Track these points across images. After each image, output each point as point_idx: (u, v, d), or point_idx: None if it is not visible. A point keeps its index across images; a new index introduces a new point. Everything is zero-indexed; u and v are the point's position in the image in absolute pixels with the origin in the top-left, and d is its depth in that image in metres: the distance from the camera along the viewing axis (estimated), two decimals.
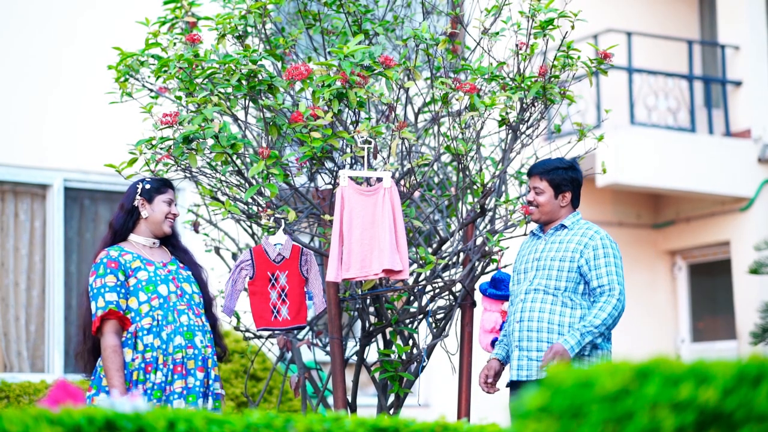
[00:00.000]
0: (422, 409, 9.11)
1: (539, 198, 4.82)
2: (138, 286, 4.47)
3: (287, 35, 5.35)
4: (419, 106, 5.57)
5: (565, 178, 4.82)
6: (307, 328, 5.62)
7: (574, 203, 4.87)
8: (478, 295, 5.27)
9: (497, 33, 5.12)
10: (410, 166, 5.09)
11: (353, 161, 5.21)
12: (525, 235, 5.08)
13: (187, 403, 4.41)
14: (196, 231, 5.85)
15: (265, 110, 4.84)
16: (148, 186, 4.61)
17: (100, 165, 5.45)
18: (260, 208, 4.94)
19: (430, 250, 5.47)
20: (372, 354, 6.59)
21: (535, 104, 5.07)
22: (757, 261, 9.99)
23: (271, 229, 4.90)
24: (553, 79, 4.98)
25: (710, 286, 11.74)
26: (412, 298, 5.42)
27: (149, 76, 5.08)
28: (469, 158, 5.17)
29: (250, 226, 5.59)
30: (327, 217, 4.91)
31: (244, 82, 4.70)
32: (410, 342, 5.39)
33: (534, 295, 4.74)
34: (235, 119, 4.96)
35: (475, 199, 5.29)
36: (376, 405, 5.43)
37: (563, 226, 4.82)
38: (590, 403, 2.07)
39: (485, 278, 5.31)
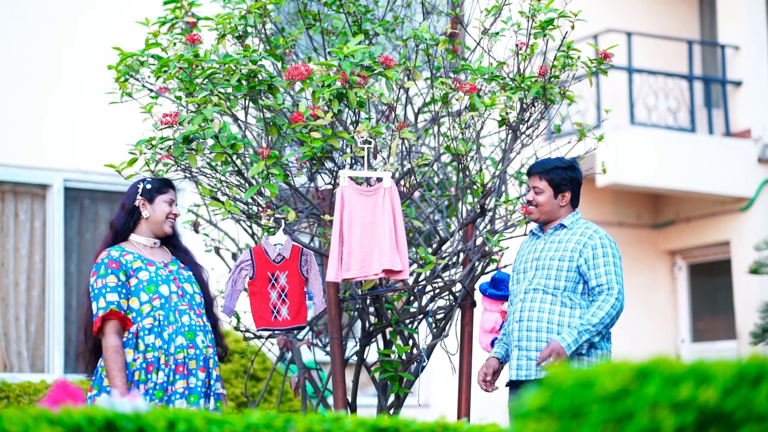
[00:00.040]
0: (422, 409, 9.11)
1: (538, 197, 4.82)
2: (139, 287, 4.47)
3: (287, 35, 5.35)
4: (419, 106, 5.57)
5: (565, 177, 4.82)
6: (307, 328, 5.62)
7: (574, 203, 4.87)
8: (478, 295, 5.27)
9: (497, 33, 5.12)
10: (410, 166, 5.09)
11: (353, 161, 5.21)
12: (525, 235, 5.08)
13: (189, 404, 4.41)
14: (196, 231, 5.85)
15: (265, 110, 4.84)
16: (149, 186, 4.61)
17: (100, 165, 5.45)
18: (260, 208, 4.94)
19: (430, 250, 5.47)
20: (372, 354, 6.59)
21: (535, 104, 5.07)
22: (757, 261, 9.99)
23: (271, 229, 4.90)
24: (553, 79, 4.98)
25: (710, 286, 11.74)
26: (412, 298, 5.42)
27: (149, 76, 5.08)
28: (469, 158, 5.17)
29: (250, 226, 5.59)
30: (327, 217, 4.91)
31: (244, 82, 4.70)
32: (410, 342, 5.39)
33: (533, 294, 4.75)
34: (235, 119, 4.96)
35: (475, 199, 5.29)
36: (376, 405, 5.43)
37: (562, 226, 4.82)
38: (590, 403, 2.07)
39: (485, 278, 5.31)
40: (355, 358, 5.57)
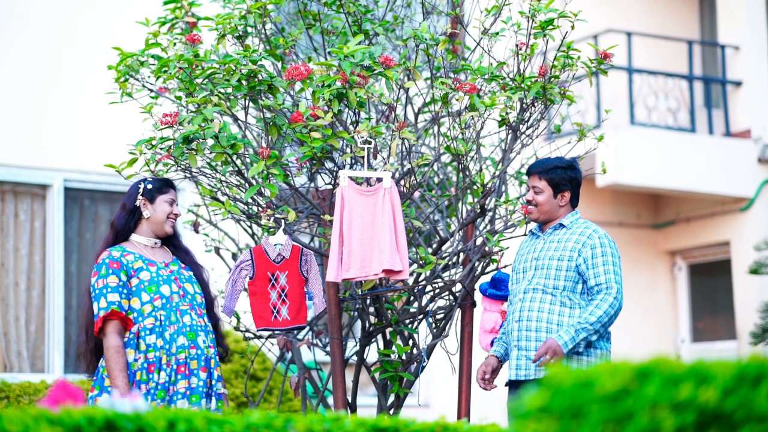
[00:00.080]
0: (422, 409, 9.11)
1: (538, 197, 4.81)
2: (140, 287, 4.46)
3: (287, 35, 5.35)
4: (419, 107, 5.57)
5: (564, 177, 4.82)
6: (307, 328, 5.62)
7: (573, 203, 4.87)
8: (478, 296, 5.27)
9: (497, 33, 5.12)
10: (410, 167, 5.09)
11: (353, 161, 5.21)
12: (525, 235, 5.08)
13: (191, 404, 4.41)
14: (196, 231, 5.85)
15: (265, 110, 4.84)
16: (150, 186, 4.61)
17: (100, 165, 5.45)
18: (260, 209, 4.94)
19: (430, 250, 5.47)
20: (372, 354, 6.59)
21: (535, 104, 5.07)
22: (757, 261, 9.99)
23: (271, 229, 4.90)
24: (553, 79, 4.98)
25: (710, 286, 11.74)
26: (412, 298, 5.42)
27: (149, 77, 5.08)
28: (469, 158, 5.17)
29: (250, 226, 5.59)
30: (327, 217, 4.91)
31: (244, 82, 4.70)
32: (410, 342, 5.39)
33: (533, 294, 4.74)
34: (235, 119, 4.96)
35: (475, 200, 5.29)
36: (376, 405, 5.43)
37: (562, 226, 4.82)
38: (590, 404, 2.07)
39: (485, 278, 5.31)
40: (355, 358, 5.57)
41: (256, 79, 4.70)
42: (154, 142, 4.77)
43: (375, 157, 4.88)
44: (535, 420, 2.12)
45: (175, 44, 5.05)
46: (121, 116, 6.01)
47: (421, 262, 5.11)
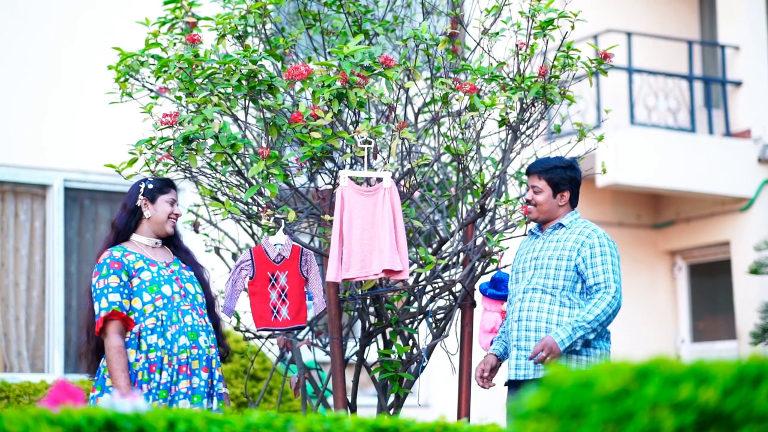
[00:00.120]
0: (422, 409, 9.11)
1: (537, 197, 4.81)
2: (142, 287, 4.46)
3: (287, 35, 5.35)
4: (419, 107, 5.57)
5: (564, 177, 4.81)
6: (307, 328, 5.62)
7: (573, 202, 4.87)
8: (478, 296, 5.27)
9: (497, 33, 5.12)
10: (410, 167, 5.09)
11: (353, 161, 5.21)
12: (525, 235, 5.08)
13: (192, 404, 4.41)
14: (196, 231, 5.85)
15: (265, 110, 4.84)
16: (150, 186, 4.61)
17: (100, 165, 5.45)
18: (260, 209, 4.94)
19: (430, 250, 5.47)
20: (372, 354, 6.59)
21: (535, 104, 5.07)
22: (757, 261, 9.99)
23: (271, 230, 4.90)
24: (553, 79, 4.98)
25: (710, 286, 11.74)
26: (412, 298, 5.42)
27: (149, 77, 5.08)
28: (469, 158, 5.17)
29: (250, 227, 5.59)
30: (327, 217, 4.91)
31: (244, 83, 4.70)
32: (410, 342, 5.39)
33: (532, 294, 4.74)
34: (235, 119, 4.96)
35: (475, 200, 5.29)
36: (376, 405, 5.43)
37: (561, 225, 4.82)
38: (590, 404, 2.07)
39: (485, 278, 5.31)
40: (355, 358, 5.57)
41: (256, 79, 4.70)
42: (154, 142, 4.77)
43: (375, 157, 4.88)
44: (535, 420, 2.12)
45: (175, 44, 5.05)
46: (121, 116, 6.01)
47: (421, 262, 5.11)
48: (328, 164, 5.24)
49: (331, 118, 4.67)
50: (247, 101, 4.96)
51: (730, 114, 11.19)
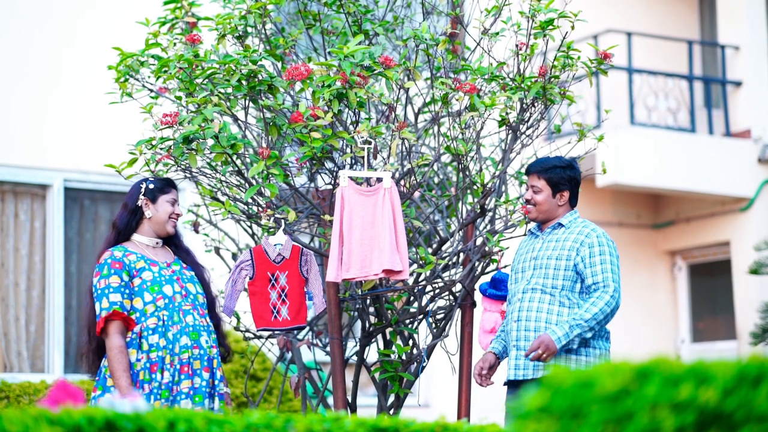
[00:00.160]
0: (422, 410, 9.11)
1: (537, 197, 4.81)
2: (143, 287, 4.46)
3: (287, 35, 5.35)
4: (419, 107, 5.57)
5: (563, 177, 4.81)
6: (307, 328, 5.62)
7: (572, 202, 4.86)
8: (478, 296, 5.27)
9: (497, 33, 5.12)
10: (410, 167, 5.09)
11: (353, 161, 5.21)
12: (525, 235, 5.08)
13: (194, 404, 4.41)
14: (196, 231, 5.85)
15: (265, 110, 4.84)
16: (151, 186, 4.61)
17: (100, 165, 5.45)
18: (260, 209, 4.94)
19: (430, 250, 5.47)
20: (372, 354, 6.59)
21: (535, 104, 5.07)
22: (757, 261, 9.99)
23: (271, 230, 4.90)
24: (553, 79, 4.98)
25: (710, 286, 11.74)
26: (412, 298, 5.42)
27: (149, 77, 5.08)
28: (469, 158, 5.17)
29: (250, 227, 5.59)
30: (327, 217, 4.91)
31: (244, 83, 4.70)
32: (410, 342, 5.39)
33: (531, 294, 4.74)
34: (235, 119, 4.96)
35: (475, 200, 5.29)
36: (376, 405, 5.43)
37: (560, 225, 4.81)
38: (590, 404, 2.07)
39: (485, 278, 5.31)
40: (355, 358, 5.58)
41: (256, 79, 4.70)
42: (154, 142, 4.77)
43: (375, 157, 4.88)
44: (535, 420, 2.12)
45: (175, 44, 5.05)
46: (121, 116, 6.01)
47: (421, 262, 5.11)
48: (328, 164, 5.24)
49: (331, 118, 4.67)
50: (247, 101, 4.96)
51: (730, 114, 11.19)
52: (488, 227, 5.47)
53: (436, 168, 5.72)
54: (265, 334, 5.43)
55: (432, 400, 9.91)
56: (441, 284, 5.30)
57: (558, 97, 5.00)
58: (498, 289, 5.12)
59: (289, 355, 5.72)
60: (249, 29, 5.12)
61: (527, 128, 5.15)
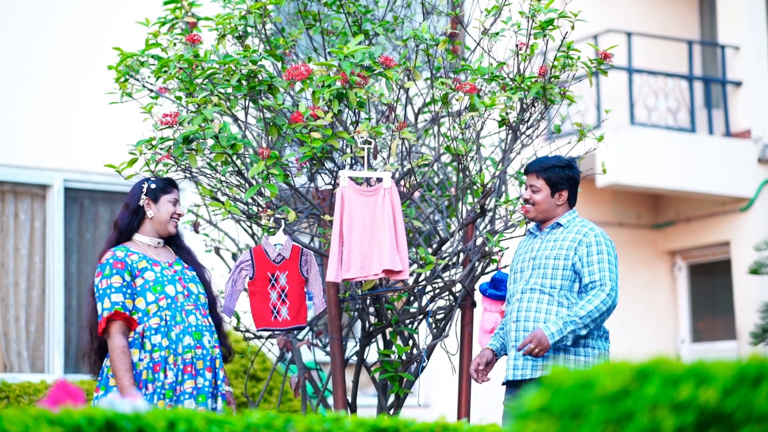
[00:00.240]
0: (422, 410, 9.11)
1: (535, 196, 4.80)
2: (145, 287, 4.47)
3: (287, 35, 5.35)
4: (419, 107, 5.58)
5: (562, 176, 4.80)
6: (307, 328, 5.62)
7: (571, 202, 4.86)
8: (478, 296, 5.27)
9: (497, 33, 5.13)
10: (410, 167, 5.09)
11: (353, 161, 5.21)
12: (524, 235, 5.08)
13: (198, 404, 4.41)
14: (196, 231, 5.85)
15: (265, 110, 4.85)
16: (153, 186, 4.62)
17: (100, 165, 5.45)
18: (260, 209, 4.94)
19: (430, 250, 5.47)
20: (372, 354, 6.59)
21: (535, 104, 5.07)
22: (757, 261, 9.99)
23: (271, 230, 4.90)
24: (553, 79, 4.98)
25: (710, 287, 11.74)
26: (412, 298, 5.42)
27: (149, 77, 5.09)
28: (469, 158, 5.17)
29: (250, 227, 5.59)
30: (327, 217, 4.91)
31: (244, 83, 4.70)
32: (410, 342, 5.39)
33: (530, 294, 4.73)
34: (235, 119, 4.96)
35: (475, 200, 5.29)
36: (376, 405, 5.43)
37: (559, 225, 4.81)
38: (590, 404, 2.07)
39: (485, 278, 5.31)
40: (355, 358, 5.58)
41: (256, 79, 4.70)
42: (154, 143, 4.77)
43: (375, 158, 4.88)
44: (535, 420, 2.12)
45: (175, 44, 5.05)
46: (121, 116, 6.01)
47: (421, 262, 5.11)
48: (328, 164, 5.24)
49: (331, 118, 4.67)
50: (247, 101, 4.96)
51: (730, 114, 11.19)
52: (488, 227, 5.47)
53: (436, 168, 5.72)
54: (265, 334, 5.43)
55: (432, 400, 9.91)
56: (441, 284, 5.30)
57: (558, 97, 5.00)
58: (498, 289, 5.12)
59: (289, 355, 5.72)
60: (249, 29, 5.12)
61: (527, 128, 5.15)
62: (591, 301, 4.59)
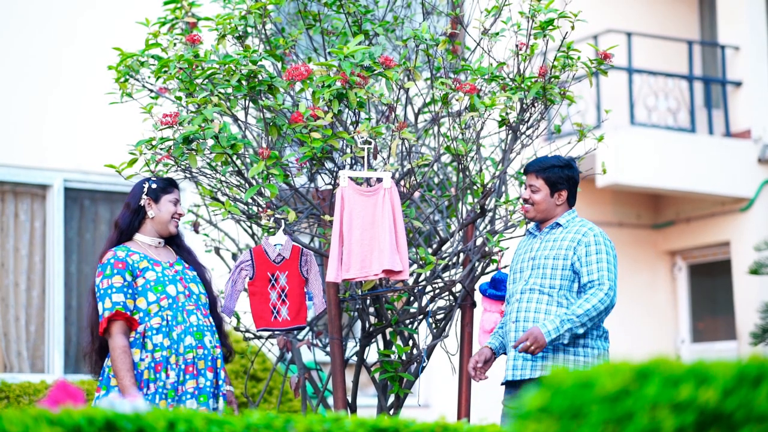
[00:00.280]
0: (422, 410, 9.11)
1: (535, 196, 4.80)
2: (146, 287, 4.47)
3: (287, 35, 5.35)
4: (419, 107, 5.58)
5: (561, 176, 4.80)
6: (307, 328, 5.62)
7: (570, 202, 4.85)
8: (478, 296, 5.27)
9: (497, 33, 5.13)
10: (410, 167, 5.09)
11: (353, 162, 5.21)
12: (524, 235, 5.08)
13: (199, 404, 4.41)
14: (196, 231, 5.85)
15: (265, 111, 4.85)
16: (154, 185, 4.62)
17: (100, 165, 5.45)
18: (260, 209, 4.94)
19: (430, 250, 5.47)
20: (372, 354, 6.59)
21: (535, 105, 5.07)
22: (757, 261, 9.99)
23: (271, 230, 4.90)
24: (553, 79, 4.98)
25: (710, 287, 11.74)
26: (412, 298, 5.42)
27: (149, 77, 5.09)
28: (469, 159, 5.17)
29: (250, 227, 5.59)
30: (327, 217, 4.91)
31: (244, 83, 4.70)
32: (410, 342, 5.39)
33: (529, 294, 4.73)
34: (235, 120, 4.96)
35: (475, 200, 5.29)
36: (376, 405, 5.43)
37: (558, 225, 4.80)
38: (590, 404, 2.07)
39: (485, 279, 5.31)
40: (355, 358, 5.58)
41: (256, 80, 4.71)
42: (154, 143, 4.77)
43: (375, 158, 4.88)
44: (535, 420, 2.12)
45: (175, 44, 5.06)
46: (121, 116, 6.01)
47: (421, 262, 5.11)
48: (328, 164, 5.24)
49: (331, 118, 4.67)
50: (247, 101, 4.96)
51: (730, 114, 11.20)
52: (488, 227, 5.47)
53: (436, 168, 5.72)
54: (265, 334, 5.43)
55: (432, 400, 9.91)
56: (441, 284, 5.30)
57: (558, 97, 5.00)
58: (498, 290, 5.12)
59: (289, 356, 5.72)
60: (249, 29, 5.12)
61: (527, 128, 5.15)
62: (588, 300, 4.59)
